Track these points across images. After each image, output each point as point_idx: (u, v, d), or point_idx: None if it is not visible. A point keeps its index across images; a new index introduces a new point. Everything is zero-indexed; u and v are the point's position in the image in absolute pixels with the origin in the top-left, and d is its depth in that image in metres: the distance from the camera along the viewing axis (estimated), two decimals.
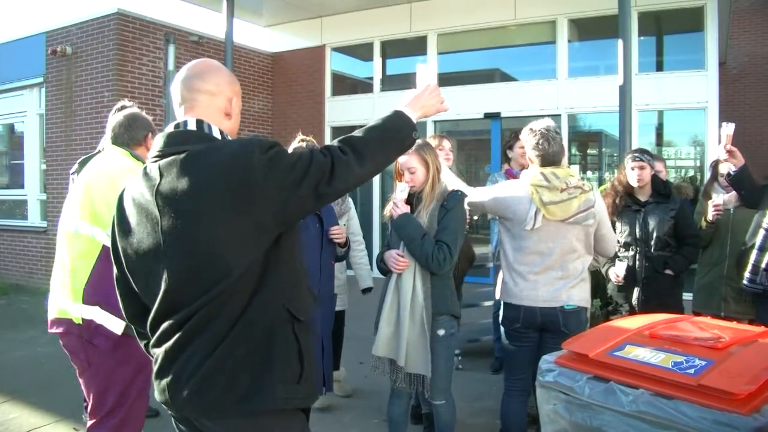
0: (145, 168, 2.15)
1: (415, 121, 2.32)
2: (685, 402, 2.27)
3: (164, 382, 2.10)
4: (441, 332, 3.80)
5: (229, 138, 2.21)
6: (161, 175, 2.05)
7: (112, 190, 3.13)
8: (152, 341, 2.17)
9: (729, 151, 4.40)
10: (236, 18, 12.06)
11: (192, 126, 2.13)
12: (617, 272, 4.65)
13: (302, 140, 4.40)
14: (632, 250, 4.72)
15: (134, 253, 2.14)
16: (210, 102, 2.17)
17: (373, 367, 3.98)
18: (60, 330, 3.48)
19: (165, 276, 2.04)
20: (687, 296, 5.49)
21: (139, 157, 3.61)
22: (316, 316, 3.97)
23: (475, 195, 4.14)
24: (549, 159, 3.90)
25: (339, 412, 5.24)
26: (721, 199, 4.79)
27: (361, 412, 5.32)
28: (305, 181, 1.99)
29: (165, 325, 2.09)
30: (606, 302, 4.93)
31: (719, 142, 4.72)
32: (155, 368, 2.14)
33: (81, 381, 3.52)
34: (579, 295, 3.89)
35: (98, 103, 10.81)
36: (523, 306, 3.88)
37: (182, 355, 2.05)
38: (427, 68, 2.51)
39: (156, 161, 2.10)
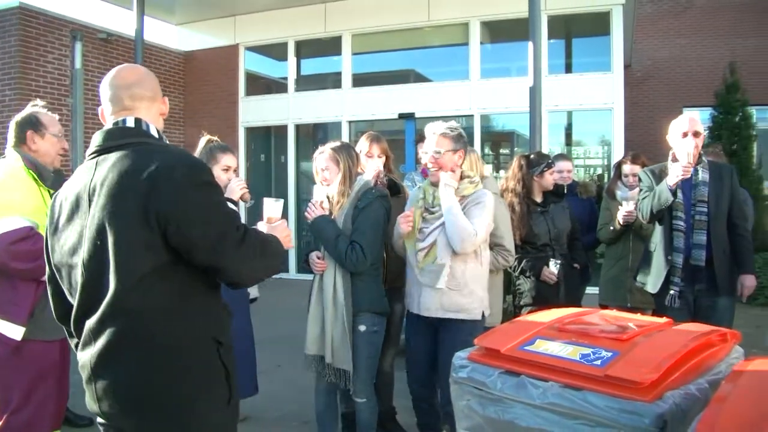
0: (84, 164, 2.23)
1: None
2: (593, 392, 2.33)
3: (93, 393, 2.14)
4: (362, 328, 3.84)
5: (165, 138, 2.35)
6: (95, 170, 2.13)
7: None
8: (79, 343, 2.19)
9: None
10: (147, 15, 11.78)
11: (130, 123, 2.23)
12: (552, 272, 4.69)
13: (209, 141, 4.31)
14: (549, 250, 4.81)
15: (60, 249, 2.19)
16: (150, 106, 2.30)
17: (307, 366, 4.00)
18: None
19: (81, 269, 2.10)
20: (593, 290, 5.69)
21: (30, 158, 3.58)
22: (240, 322, 3.94)
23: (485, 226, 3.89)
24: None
25: (259, 418, 5.16)
26: (630, 205, 4.94)
27: (281, 416, 5.25)
28: (217, 226, 2.11)
29: (87, 325, 2.11)
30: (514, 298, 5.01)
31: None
32: (84, 376, 2.17)
33: None
34: None
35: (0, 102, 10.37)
36: None
37: (106, 374, 2.10)
38: (275, 205, 2.68)
39: (93, 157, 2.19)
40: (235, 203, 3.96)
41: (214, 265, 2.10)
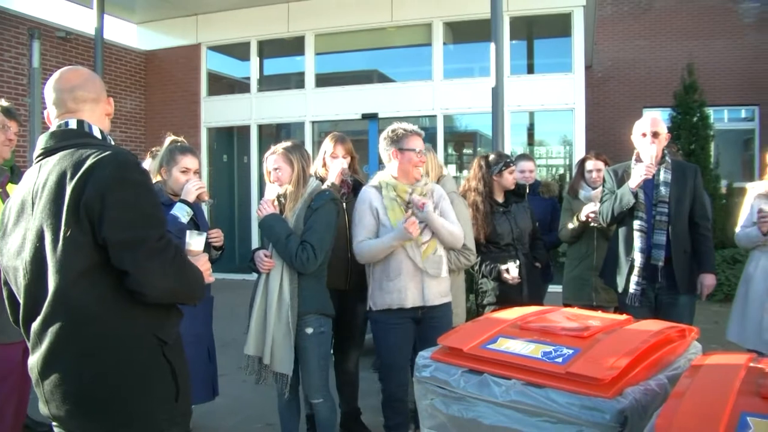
0: (31, 167, 2.27)
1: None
2: (555, 390, 2.35)
3: (42, 396, 2.16)
4: (309, 330, 3.81)
5: (110, 138, 2.38)
6: (38, 173, 2.17)
7: None
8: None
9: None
10: (107, 14, 11.61)
11: (73, 125, 2.27)
12: (512, 273, 4.66)
13: (173, 141, 4.27)
14: (512, 249, 4.83)
15: (8, 252, 2.22)
16: (94, 107, 2.34)
17: (245, 366, 3.96)
18: None
19: (23, 271, 2.12)
20: (556, 288, 5.74)
21: None
22: (198, 327, 3.91)
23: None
24: None
25: (221, 419, 5.13)
26: (594, 206, 4.99)
27: (243, 418, 5.22)
28: (147, 228, 2.10)
29: (33, 328, 2.12)
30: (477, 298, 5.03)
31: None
32: (32, 379, 2.19)
33: None
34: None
35: None
36: None
37: (51, 375, 2.10)
38: (198, 239, 2.66)
39: (39, 160, 2.23)
40: (191, 205, 3.91)
41: (122, 267, 2.07)
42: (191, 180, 3.97)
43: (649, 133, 4.40)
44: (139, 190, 2.13)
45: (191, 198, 3.91)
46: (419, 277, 3.98)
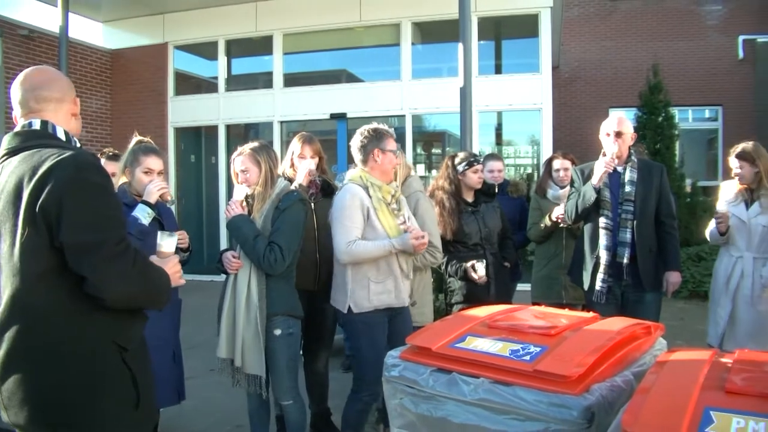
0: None
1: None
2: (523, 387, 2.37)
3: (1, 402, 2.13)
4: (277, 332, 3.80)
5: (75, 140, 2.36)
6: (0, 174, 2.16)
7: None
8: None
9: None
10: (72, 12, 11.39)
11: (36, 126, 2.26)
12: (479, 273, 4.67)
13: (139, 141, 4.21)
14: (480, 249, 4.85)
15: None
16: (58, 107, 2.32)
17: (219, 369, 3.94)
18: None
19: None
20: (525, 287, 5.78)
21: None
22: (164, 331, 3.86)
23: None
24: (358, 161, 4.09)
25: (190, 422, 5.09)
26: (562, 207, 5.03)
27: (214, 421, 5.19)
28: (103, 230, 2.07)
29: None
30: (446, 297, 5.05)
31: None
32: None
33: None
34: (333, 296, 4.09)
35: None
36: None
37: (8, 380, 2.08)
38: (169, 240, 2.61)
39: (2, 161, 2.21)
40: (153, 206, 3.86)
41: (80, 271, 2.04)
42: (153, 181, 3.92)
43: (613, 133, 4.46)
44: (98, 193, 2.10)
45: (153, 199, 3.86)
46: (401, 278, 4.01)
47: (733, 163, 4.76)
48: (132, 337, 2.25)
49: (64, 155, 2.08)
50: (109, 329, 2.16)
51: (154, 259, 2.47)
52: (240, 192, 3.87)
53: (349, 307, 3.90)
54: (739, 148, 4.75)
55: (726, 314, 4.76)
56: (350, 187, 3.92)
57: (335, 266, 4.04)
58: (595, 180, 4.42)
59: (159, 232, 2.62)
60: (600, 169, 4.40)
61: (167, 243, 2.59)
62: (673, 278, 4.52)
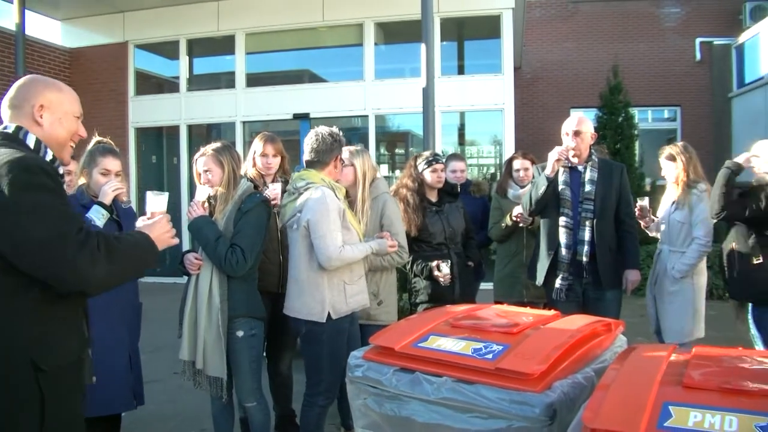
0: None
1: (159, 249, 2.42)
2: (485, 385, 2.39)
3: None
4: (240, 334, 3.77)
5: (44, 145, 2.33)
6: None
7: None
8: None
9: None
10: (29, 10, 11.23)
11: (9, 130, 2.27)
12: (443, 273, 4.68)
13: (98, 142, 4.13)
14: (444, 248, 4.87)
15: None
16: (19, 114, 2.31)
17: (180, 372, 3.90)
18: None
19: None
20: (488, 286, 5.82)
21: None
22: (120, 332, 3.81)
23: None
24: (306, 163, 3.96)
25: (154, 426, 5.04)
26: (521, 208, 5.08)
27: (177, 423, 5.14)
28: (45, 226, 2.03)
29: None
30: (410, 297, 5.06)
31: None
32: None
33: None
34: (300, 308, 3.86)
35: None
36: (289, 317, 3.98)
37: None
38: (157, 199, 2.57)
39: None
40: (108, 207, 3.80)
41: (46, 271, 2.02)
42: (109, 182, 3.86)
43: (571, 132, 4.53)
44: (43, 192, 2.07)
45: (107, 200, 3.80)
46: (366, 277, 4.06)
47: (662, 163, 4.92)
48: (57, 356, 2.16)
49: (11, 157, 2.06)
50: (28, 347, 2.08)
51: (142, 224, 2.47)
52: (202, 193, 3.83)
53: (328, 315, 3.79)
54: (666, 149, 4.88)
55: (651, 308, 4.95)
56: (326, 190, 3.81)
57: (300, 275, 3.86)
58: (548, 170, 4.49)
59: (148, 192, 2.58)
60: (553, 157, 4.46)
61: (155, 202, 2.55)
62: (633, 276, 4.59)
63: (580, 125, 4.55)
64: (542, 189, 4.52)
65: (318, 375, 3.90)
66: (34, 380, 2.08)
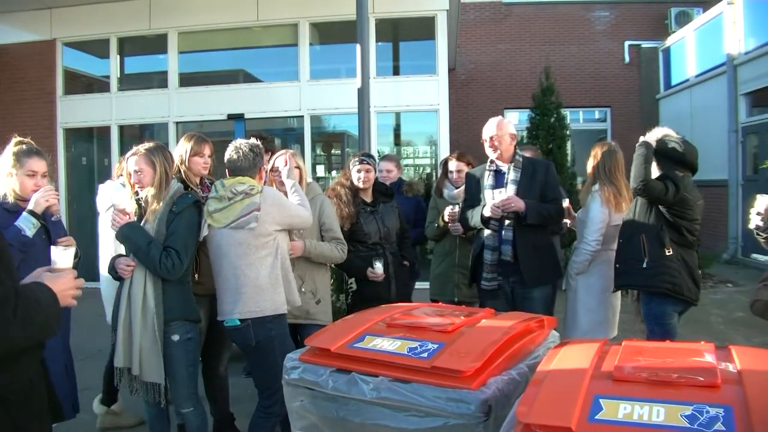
0: None
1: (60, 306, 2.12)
2: (422, 384, 2.41)
3: None
4: (175, 338, 3.72)
5: None
6: None
7: None
8: None
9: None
10: None
11: None
12: (376, 272, 4.73)
13: (19, 143, 3.95)
14: (379, 248, 4.88)
15: None
16: None
17: (116, 379, 3.81)
18: None
19: None
20: (423, 285, 5.86)
21: None
22: (52, 341, 3.69)
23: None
24: (233, 170, 3.88)
25: None
26: (452, 208, 5.15)
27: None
28: None
29: None
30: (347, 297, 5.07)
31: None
32: None
33: None
34: (249, 307, 3.75)
35: None
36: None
37: None
38: (63, 254, 2.34)
39: None
40: (39, 217, 3.68)
41: None
42: (43, 189, 3.73)
43: (488, 138, 4.66)
44: None
45: (40, 209, 3.68)
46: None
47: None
48: (15, 385, 2.03)
49: None
50: None
51: (47, 275, 2.18)
52: (122, 200, 3.73)
53: (284, 310, 3.82)
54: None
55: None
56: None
57: (260, 275, 3.75)
58: (486, 212, 4.56)
59: (52, 248, 2.36)
60: (487, 212, 4.55)
61: (62, 257, 2.33)
62: (516, 200, 4.48)
63: (497, 129, 4.63)
64: (476, 225, 4.72)
65: (273, 382, 3.59)
66: (6, 412, 1.98)
